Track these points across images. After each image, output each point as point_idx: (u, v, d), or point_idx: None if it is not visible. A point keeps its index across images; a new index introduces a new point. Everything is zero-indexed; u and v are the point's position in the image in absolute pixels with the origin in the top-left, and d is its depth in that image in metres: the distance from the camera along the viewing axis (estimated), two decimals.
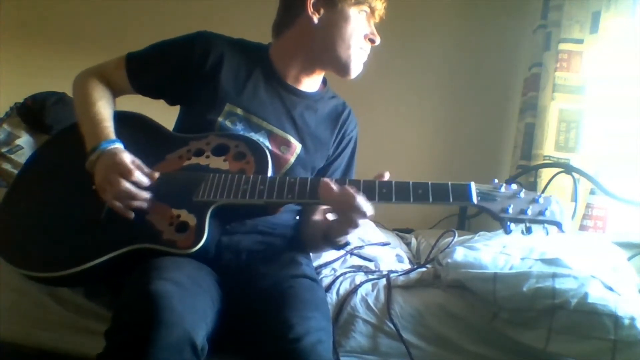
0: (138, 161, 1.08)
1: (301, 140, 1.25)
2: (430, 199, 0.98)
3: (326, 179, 1.02)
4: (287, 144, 1.23)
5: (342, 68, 1.23)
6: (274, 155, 1.15)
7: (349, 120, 1.35)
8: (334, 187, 0.99)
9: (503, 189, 1.00)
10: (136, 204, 1.04)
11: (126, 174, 1.03)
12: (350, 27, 1.19)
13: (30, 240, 1.10)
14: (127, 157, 1.06)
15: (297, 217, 1.34)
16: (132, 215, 1.04)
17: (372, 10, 1.21)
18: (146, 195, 1.05)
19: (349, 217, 1.00)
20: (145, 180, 1.06)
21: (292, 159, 1.23)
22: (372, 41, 1.23)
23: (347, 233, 1.08)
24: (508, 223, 0.96)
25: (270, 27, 1.31)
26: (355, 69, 1.24)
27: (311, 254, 1.32)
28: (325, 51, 1.22)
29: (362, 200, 0.97)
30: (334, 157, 1.33)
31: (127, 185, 1.03)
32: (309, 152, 1.26)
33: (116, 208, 1.04)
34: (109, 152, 1.08)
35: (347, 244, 1.16)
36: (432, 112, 2.68)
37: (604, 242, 1.58)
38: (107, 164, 1.06)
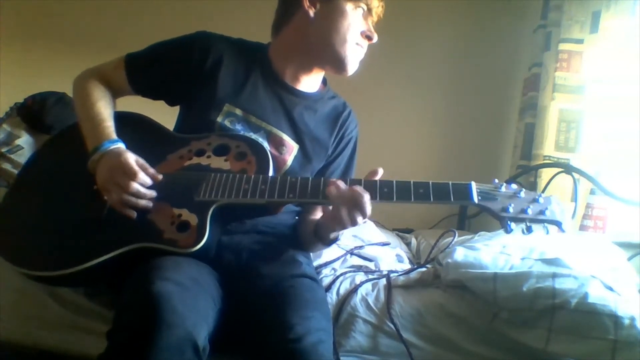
0: (142, 160, 1.08)
1: (299, 141, 1.25)
2: (432, 199, 0.99)
3: (333, 179, 1.03)
4: (285, 145, 1.23)
5: (338, 64, 1.23)
6: (272, 156, 1.15)
7: (349, 120, 1.35)
8: (342, 185, 1.01)
9: (503, 189, 1.00)
10: (142, 203, 1.04)
11: (132, 175, 1.04)
12: (347, 22, 1.19)
13: (31, 239, 1.10)
14: (131, 157, 1.06)
15: (297, 218, 1.34)
16: (135, 214, 1.04)
17: (369, 8, 1.22)
18: (153, 194, 1.06)
19: (351, 215, 1.00)
20: (149, 181, 1.06)
21: (290, 160, 1.23)
22: (368, 38, 1.23)
23: (338, 230, 1.09)
24: (508, 222, 0.97)
25: (270, 27, 1.31)
26: (352, 65, 1.23)
27: (311, 253, 1.32)
28: (321, 46, 1.22)
29: (368, 200, 0.99)
30: (334, 157, 1.33)
31: (134, 185, 1.03)
32: (307, 153, 1.26)
33: (119, 208, 1.04)
34: (112, 152, 1.08)
35: (337, 239, 1.16)
36: (432, 112, 2.68)
37: (604, 242, 1.58)
38: (111, 164, 1.06)
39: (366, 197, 0.98)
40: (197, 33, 1.25)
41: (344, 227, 1.04)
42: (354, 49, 1.22)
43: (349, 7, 1.19)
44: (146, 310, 0.83)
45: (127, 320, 0.86)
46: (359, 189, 0.99)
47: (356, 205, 0.99)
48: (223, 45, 1.25)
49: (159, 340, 0.81)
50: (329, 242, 1.17)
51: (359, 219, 1.01)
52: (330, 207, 1.05)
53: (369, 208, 0.99)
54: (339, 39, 1.20)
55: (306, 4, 1.21)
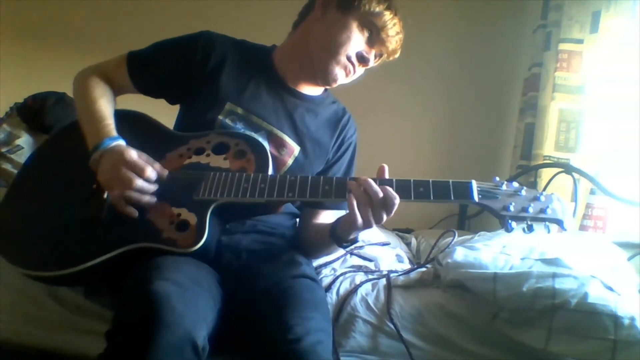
0: (145, 156, 1.08)
1: (300, 143, 1.25)
2: (432, 197, 0.98)
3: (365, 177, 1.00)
4: (286, 146, 1.23)
5: (322, 72, 1.22)
6: (272, 157, 1.14)
7: (349, 125, 1.35)
8: (374, 183, 0.99)
9: (504, 187, 1.00)
10: (145, 199, 1.04)
11: (139, 171, 1.03)
12: (345, 35, 1.18)
13: (31, 239, 1.10)
14: (134, 153, 1.06)
15: (297, 219, 1.34)
16: (137, 213, 1.04)
17: (379, 36, 1.19)
18: (155, 189, 1.05)
19: (378, 214, 0.99)
20: (154, 177, 1.06)
21: (290, 162, 1.23)
22: (362, 59, 1.21)
23: (359, 229, 1.05)
24: (509, 221, 0.96)
25: (272, 29, 1.32)
26: (333, 76, 1.21)
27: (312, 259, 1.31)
28: (314, 49, 1.22)
29: (398, 200, 0.98)
30: (333, 162, 1.33)
31: (139, 182, 1.03)
32: (307, 156, 1.26)
33: (121, 205, 1.04)
34: (113, 149, 1.08)
35: (356, 240, 1.14)
36: (432, 113, 2.68)
37: (604, 242, 1.58)
38: (114, 161, 1.05)
39: (398, 197, 0.98)
40: (200, 32, 1.26)
41: (367, 226, 1.01)
42: (343, 63, 1.20)
43: (354, 24, 1.18)
44: (145, 310, 0.83)
45: (126, 320, 0.86)
46: (390, 188, 0.98)
47: (387, 205, 0.98)
48: (226, 45, 1.25)
49: (158, 339, 0.81)
50: (348, 243, 1.14)
51: (385, 217, 1.00)
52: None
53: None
54: (331, 47, 1.19)
55: (318, 3, 1.22)
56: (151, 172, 1.05)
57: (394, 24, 1.20)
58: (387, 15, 1.18)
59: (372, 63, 1.24)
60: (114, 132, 1.12)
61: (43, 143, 1.32)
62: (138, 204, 1.04)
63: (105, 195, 1.08)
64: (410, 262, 1.68)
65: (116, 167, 1.04)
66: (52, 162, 1.24)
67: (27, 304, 1.24)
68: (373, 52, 1.22)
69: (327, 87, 1.29)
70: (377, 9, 1.18)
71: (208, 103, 1.20)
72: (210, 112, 1.19)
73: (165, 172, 1.08)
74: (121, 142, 1.10)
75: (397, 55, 1.26)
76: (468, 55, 2.62)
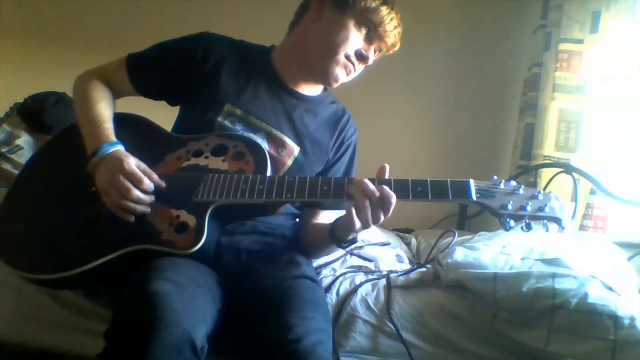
0: (144, 165, 1.07)
1: (300, 143, 1.25)
2: (430, 196, 0.98)
3: (361, 177, 1.01)
4: (285, 146, 1.23)
5: (321, 73, 1.22)
6: (271, 157, 1.15)
7: (349, 125, 1.34)
8: (370, 184, 0.99)
9: (502, 186, 1.00)
10: (140, 209, 1.04)
11: (136, 181, 1.03)
12: (342, 35, 1.17)
13: (29, 242, 1.10)
14: (133, 162, 1.05)
15: (297, 220, 1.34)
16: (133, 219, 1.04)
17: (377, 33, 1.19)
18: (152, 199, 1.05)
19: (375, 214, 0.99)
20: (152, 187, 1.06)
21: (290, 162, 1.23)
22: (362, 56, 1.20)
23: (357, 230, 1.04)
24: (507, 219, 0.96)
25: (272, 29, 1.32)
26: (334, 76, 1.21)
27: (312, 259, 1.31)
28: (312, 50, 1.22)
29: (394, 200, 0.98)
30: (333, 162, 1.33)
31: (136, 192, 1.02)
32: (307, 156, 1.26)
33: (118, 212, 1.04)
34: (112, 155, 1.07)
35: (354, 240, 1.14)
36: (432, 112, 2.68)
37: (604, 242, 1.58)
38: (112, 168, 1.05)
39: (394, 196, 0.97)
40: (199, 34, 1.25)
41: (364, 226, 1.01)
42: (342, 63, 1.19)
43: (351, 22, 1.18)
44: (144, 310, 0.83)
45: (124, 320, 0.86)
46: (387, 188, 0.98)
47: (384, 205, 0.98)
48: (225, 46, 1.25)
49: (156, 339, 0.81)
50: (347, 243, 1.14)
51: (382, 217, 0.99)
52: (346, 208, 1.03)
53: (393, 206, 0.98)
54: (330, 47, 1.18)
55: (313, 4, 1.21)
56: (149, 183, 1.05)
57: (391, 18, 1.19)
58: (384, 10, 1.17)
59: (372, 59, 1.24)
60: (113, 137, 1.12)
61: (44, 145, 1.32)
62: (133, 213, 1.04)
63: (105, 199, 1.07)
64: (410, 262, 1.68)
65: (114, 175, 1.03)
66: (52, 164, 1.24)
67: (27, 304, 1.24)
68: (372, 48, 1.22)
69: (328, 86, 1.29)
70: (373, 5, 1.17)
71: (207, 104, 1.20)
72: (209, 114, 1.19)
73: (163, 184, 1.07)
74: (120, 148, 1.10)
75: (396, 48, 1.25)
76: (468, 55, 2.61)
